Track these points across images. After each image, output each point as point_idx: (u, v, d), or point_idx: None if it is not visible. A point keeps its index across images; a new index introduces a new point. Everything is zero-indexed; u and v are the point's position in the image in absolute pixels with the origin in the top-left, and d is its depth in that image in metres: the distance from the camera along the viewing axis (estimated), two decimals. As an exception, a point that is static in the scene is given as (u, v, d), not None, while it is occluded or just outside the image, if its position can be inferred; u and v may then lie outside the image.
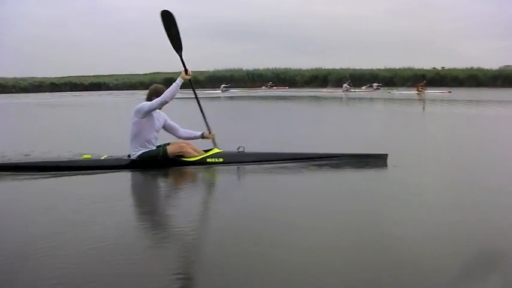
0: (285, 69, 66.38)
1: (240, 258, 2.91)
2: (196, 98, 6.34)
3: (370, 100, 25.25)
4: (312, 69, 66.00)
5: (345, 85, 40.33)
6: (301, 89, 48.26)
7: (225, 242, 3.17)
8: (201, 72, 64.26)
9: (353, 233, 3.34)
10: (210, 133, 6.18)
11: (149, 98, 5.91)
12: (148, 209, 4.41)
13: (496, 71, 59.08)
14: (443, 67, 63.35)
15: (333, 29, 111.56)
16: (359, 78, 54.51)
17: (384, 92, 36.19)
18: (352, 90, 39.52)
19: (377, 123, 12.26)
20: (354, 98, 27.24)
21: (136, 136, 5.81)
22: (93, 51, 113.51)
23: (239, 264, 2.82)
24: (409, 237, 3.22)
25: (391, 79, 55.99)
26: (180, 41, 6.12)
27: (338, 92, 38.01)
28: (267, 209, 3.99)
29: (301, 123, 12.45)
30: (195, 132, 6.21)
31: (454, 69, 61.31)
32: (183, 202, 4.53)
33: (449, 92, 33.34)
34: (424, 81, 35.59)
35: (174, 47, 6.11)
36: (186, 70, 5.92)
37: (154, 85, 6.19)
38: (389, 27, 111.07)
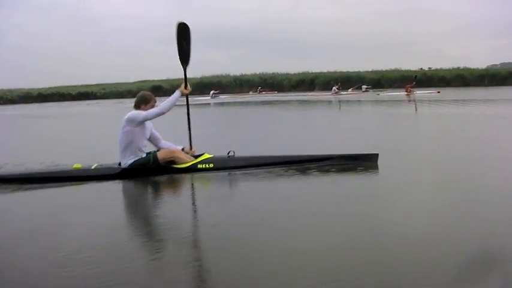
0: (272, 74, 66.64)
1: (235, 265, 2.87)
2: (188, 112, 6.29)
3: (359, 102, 25.36)
4: (299, 73, 66.27)
5: (334, 88, 40.47)
6: (289, 93, 48.32)
7: (220, 248, 3.14)
8: (188, 79, 64.09)
9: (348, 236, 3.32)
10: (191, 149, 6.13)
11: (137, 106, 5.87)
12: (141, 218, 4.39)
13: (482, 70, 59.78)
14: (430, 68, 63.92)
15: (321, 32, 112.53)
16: (347, 81, 54.75)
17: (372, 94, 36.35)
18: (341, 93, 39.64)
19: (367, 125, 12.31)
20: (343, 101, 27.33)
21: (128, 145, 5.75)
22: (79, 60, 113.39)
23: (234, 271, 2.78)
24: (407, 239, 3.19)
25: (378, 81, 56.38)
26: (189, 56, 6.16)
27: (327, 95, 38.08)
28: (260, 214, 3.96)
29: (291, 127, 12.54)
30: (175, 146, 6.15)
31: (441, 70, 61.88)
32: (175, 210, 4.49)
33: (438, 92, 33.57)
34: (414, 83, 35.76)
35: (181, 59, 6.14)
36: (186, 85, 5.88)
37: (141, 92, 6.16)
38: (377, 29, 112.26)
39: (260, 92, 51.61)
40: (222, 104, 31.97)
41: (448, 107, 18.45)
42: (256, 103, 29.82)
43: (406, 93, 34.64)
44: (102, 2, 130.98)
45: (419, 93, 33.65)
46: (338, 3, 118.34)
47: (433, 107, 18.54)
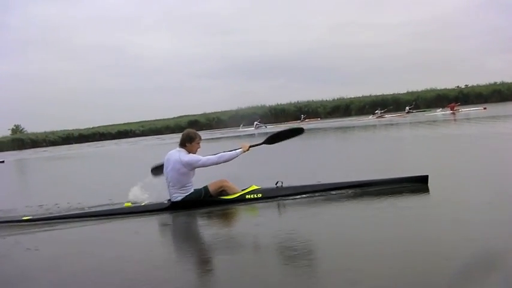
0: (307, 101, 66.76)
1: None
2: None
3: (405, 125, 24.34)
4: (334, 100, 66.31)
5: (377, 111, 40.28)
6: (334, 119, 48.12)
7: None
8: (224, 112, 65.09)
9: (406, 259, 3.30)
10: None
11: (183, 144, 6.04)
12: (195, 248, 4.50)
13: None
14: (466, 85, 63.11)
15: (358, 57, 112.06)
16: (382, 104, 54.52)
17: (417, 115, 35.64)
18: (385, 116, 39.35)
19: (418, 148, 11.90)
20: (388, 124, 26.73)
21: (180, 182, 5.93)
22: (121, 100, 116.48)
23: None
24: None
25: (413, 102, 55.87)
26: (275, 142, 6.66)
27: (371, 119, 37.76)
28: (312, 242, 4.02)
29: (341, 153, 12.43)
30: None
31: (478, 86, 60.98)
32: (228, 240, 4.57)
33: (485, 108, 33.01)
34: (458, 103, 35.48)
35: (270, 140, 6.62)
36: (250, 147, 6.16)
37: (187, 130, 6.30)
38: (413, 49, 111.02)
39: (303, 120, 51.87)
40: (266, 134, 32.00)
41: (498, 123, 17.83)
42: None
43: (451, 111, 34.23)
44: (141, 42, 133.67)
45: (465, 110, 33.15)
46: (374, 27, 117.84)
47: (484, 125, 18.02)
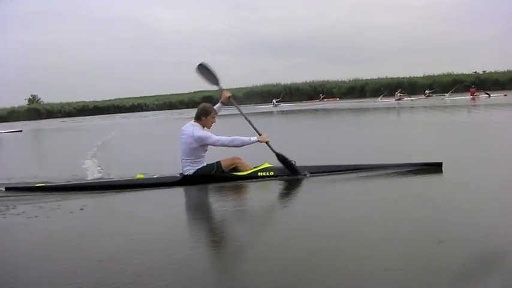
0: (322, 81, 66.35)
1: (303, 271, 2.92)
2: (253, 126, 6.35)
3: (425, 109, 23.71)
4: (349, 81, 65.81)
5: (397, 93, 39.90)
6: (352, 100, 47.75)
7: (291, 259, 3.16)
8: (239, 89, 64.95)
9: (420, 242, 3.34)
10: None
11: (198, 118, 6.10)
12: (208, 224, 4.55)
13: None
14: (484, 71, 62.23)
15: (376, 38, 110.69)
16: (397, 88, 54.02)
17: (436, 99, 35.23)
18: (404, 98, 38.95)
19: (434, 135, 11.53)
20: (408, 107, 26.18)
21: (192, 156, 6.00)
22: (138, 73, 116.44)
23: (302, 278, 2.84)
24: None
25: (430, 86, 55.27)
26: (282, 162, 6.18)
27: (391, 101, 37.42)
28: (326, 221, 4.05)
29: (360, 135, 12.26)
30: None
31: (495, 73, 60.12)
32: (240, 215, 4.61)
33: (505, 95, 32.61)
34: (473, 86, 35.00)
35: (279, 156, 6.21)
36: (267, 143, 6.12)
37: (203, 104, 6.34)
38: (433, 33, 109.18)
39: (322, 99, 51.62)
40: (284, 112, 32.27)
41: None
42: (319, 111, 29.58)
43: (471, 97, 33.80)
44: (162, 16, 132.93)
45: (485, 97, 32.74)
46: (394, 8, 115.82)
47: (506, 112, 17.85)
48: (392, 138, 10.75)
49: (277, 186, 5.76)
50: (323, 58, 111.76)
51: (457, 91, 39.57)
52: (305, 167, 6.04)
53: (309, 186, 5.68)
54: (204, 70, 6.77)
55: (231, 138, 5.98)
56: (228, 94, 6.42)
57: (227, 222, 4.51)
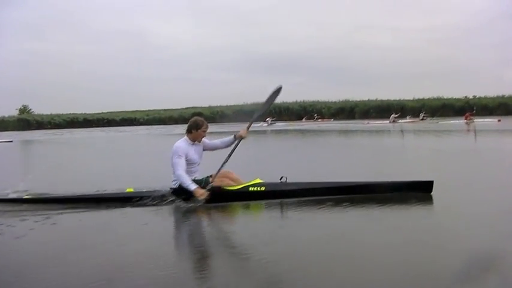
0: (312, 101, 66.86)
1: None
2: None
3: (420, 132, 23.53)
4: (339, 102, 66.37)
5: (392, 116, 40.10)
6: (346, 121, 48.06)
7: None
8: (228, 107, 65.24)
9: (406, 266, 3.39)
10: (239, 133, 6.19)
11: (189, 130, 6.13)
12: (190, 243, 4.55)
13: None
14: (474, 96, 63.11)
15: (373, 60, 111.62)
16: (387, 110, 54.55)
17: (430, 123, 35.28)
18: (399, 121, 39.13)
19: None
20: (403, 130, 25.82)
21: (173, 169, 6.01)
22: (137, 86, 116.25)
23: None
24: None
25: (419, 110, 55.83)
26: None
27: (385, 123, 37.44)
28: (312, 244, 4.05)
29: (354, 156, 12.20)
30: (226, 139, 6.31)
31: (485, 98, 60.95)
32: (225, 236, 4.65)
33: (499, 120, 33.00)
34: (474, 111, 35.38)
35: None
36: (204, 192, 5.81)
37: (194, 118, 6.37)
38: (428, 56, 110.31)
39: (316, 119, 51.81)
40: (279, 131, 32.32)
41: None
42: (313, 131, 29.37)
43: (465, 121, 34.14)
44: (162, 30, 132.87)
45: (479, 121, 33.07)
46: (393, 30, 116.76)
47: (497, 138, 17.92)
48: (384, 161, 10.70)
49: (266, 207, 5.74)
50: (321, 78, 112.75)
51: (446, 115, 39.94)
52: (292, 183, 6.02)
53: (297, 208, 5.59)
54: (273, 95, 6.67)
55: (183, 177, 5.84)
56: (244, 134, 6.20)
57: (205, 240, 4.52)
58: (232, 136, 6.20)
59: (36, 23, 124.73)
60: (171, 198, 5.96)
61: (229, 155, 6.14)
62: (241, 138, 6.17)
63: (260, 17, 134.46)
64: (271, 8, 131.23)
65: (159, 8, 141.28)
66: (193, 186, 5.78)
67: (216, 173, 6.04)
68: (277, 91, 6.62)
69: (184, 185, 5.81)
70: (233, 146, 6.22)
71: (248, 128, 6.28)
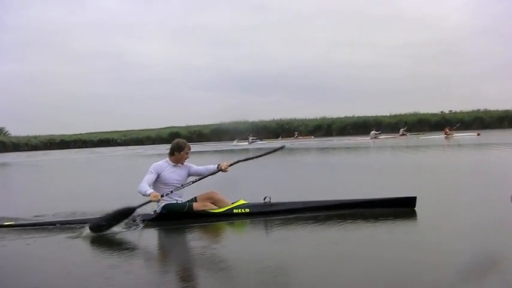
0: (290, 119, 67.16)
1: None
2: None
3: (401, 148, 23.39)
4: (316, 119, 66.80)
5: (372, 132, 40.30)
6: (326, 138, 48.13)
7: None
8: (206, 126, 65.21)
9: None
10: (221, 164, 6.14)
11: (171, 153, 6.16)
12: (171, 268, 4.49)
13: (501, 112, 59.60)
14: (450, 110, 64.29)
15: (352, 77, 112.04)
16: (363, 126, 55.15)
17: (411, 138, 35.47)
18: (380, 137, 38.97)
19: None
20: (384, 147, 25.53)
21: (156, 190, 5.95)
22: (116, 107, 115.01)
23: None
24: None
25: (395, 125, 56.41)
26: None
27: (366, 139, 37.55)
28: (297, 265, 4.02)
29: (338, 173, 12.15)
30: (210, 166, 6.24)
31: (460, 112, 62.04)
32: (208, 259, 4.55)
33: (478, 134, 33.56)
34: (457, 125, 36.07)
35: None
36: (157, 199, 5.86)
37: (177, 140, 6.43)
38: (409, 72, 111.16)
39: (297, 137, 51.97)
40: (260, 149, 31.83)
41: (493, 151, 17.61)
42: (296, 149, 28.53)
43: (445, 135, 34.61)
44: (143, 50, 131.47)
45: (459, 135, 33.59)
46: (372, 47, 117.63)
47: (481, 151, 18.16)
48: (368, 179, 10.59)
49: (250, 227, 5.72)
50: (298, 96, 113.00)
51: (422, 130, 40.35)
52: (276, 203, 6.03)
53: (281, 227, 5.57)
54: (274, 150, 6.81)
55: (141, 187, 5.84)
56: (225, 168, 6.11)
57: (190, 265, 4.46)
58: (216, 166, 6.16)
59: (15, 44, 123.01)
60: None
61: (203, 178, 6.19)
62: (221, 170, 6.12)
63: (238, 36, 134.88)
64: (251, 29, 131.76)
65: (138, 29, 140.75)
66: (148, 191, 5.78)
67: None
68: (280, 148, 6.99)
69: (142, 193, 5.80)
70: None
71: (232, 164, 6.18)
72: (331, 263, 3.97)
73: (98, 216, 5.87)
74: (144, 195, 5.78)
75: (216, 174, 6.16)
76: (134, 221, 5.78)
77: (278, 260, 4.17)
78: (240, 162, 6.28)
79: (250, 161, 6.49)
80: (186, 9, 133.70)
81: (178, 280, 3.94)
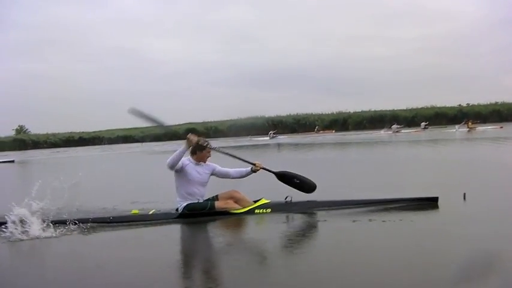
0: (306, 114, 67.02)
1: None
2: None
3: (422, 142, 23.09)
4: (332, 114, 66.57)
5: (394, 126, 40.08)
6: (349, 133, 47.88)
7: None
8: (222, 122, 65.30)
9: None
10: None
11: (193, 152, 6.21)
12: (194, 264, 4.55)
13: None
14: (468, 103, 63.72)
15: (369, 70, 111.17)
16: (379, 120, 54.93)
17: (435, 132, 34.99)
18: (402, 131, 38.97)
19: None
20: (406, 141, 25.06)
21: (178, 189, 6.11)
22: (133, 103, 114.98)
23: None
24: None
25: (412, 119, 56.11)
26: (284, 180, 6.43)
27: (388, 133, 37.11)
28: (316, 262, 4.05)
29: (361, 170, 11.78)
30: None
31: (478, 105, 61.45)
32: (231, 252, 4.66)
33: (501, 127, 33.40)
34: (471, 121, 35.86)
35: (279, 176, 6.42)
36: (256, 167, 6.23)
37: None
38: (423, 65, 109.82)
39: (318, 131, 51.96)
40: (280, 144, 31.69)
41: None
42: (319, 144, 28.37)
43: (468, 129, 34.42)
44: (159, 46, 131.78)
45: (482, 129, 33.37)
46: (386, 40, 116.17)
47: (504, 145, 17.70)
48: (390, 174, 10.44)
49: (273, 223, 5.69)
50: (313, 90, 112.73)
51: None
52: (297, 203, 6.10)
53: (303, 223, 5.74)
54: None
55: (170, 159, 5.97)
56: (195, 139, 6.09)
57: (214, 262, 4.54)
58: (250, 168, 6.27)
59: (33, 43, 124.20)
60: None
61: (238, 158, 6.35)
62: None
63: (256, 32, 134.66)
64: (268, 24, 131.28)
65: (157, 26, 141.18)
66: (181, 147, 5.97)
67: (250, 162, 6.27)
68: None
69: (176, 154, 5.92)
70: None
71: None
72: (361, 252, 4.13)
73: None
74: (179, 153, 5.93)
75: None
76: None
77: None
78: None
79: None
80: (204, 6, 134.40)
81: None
